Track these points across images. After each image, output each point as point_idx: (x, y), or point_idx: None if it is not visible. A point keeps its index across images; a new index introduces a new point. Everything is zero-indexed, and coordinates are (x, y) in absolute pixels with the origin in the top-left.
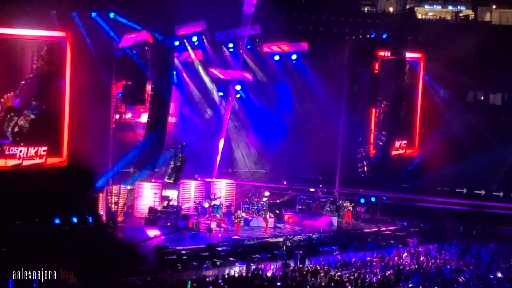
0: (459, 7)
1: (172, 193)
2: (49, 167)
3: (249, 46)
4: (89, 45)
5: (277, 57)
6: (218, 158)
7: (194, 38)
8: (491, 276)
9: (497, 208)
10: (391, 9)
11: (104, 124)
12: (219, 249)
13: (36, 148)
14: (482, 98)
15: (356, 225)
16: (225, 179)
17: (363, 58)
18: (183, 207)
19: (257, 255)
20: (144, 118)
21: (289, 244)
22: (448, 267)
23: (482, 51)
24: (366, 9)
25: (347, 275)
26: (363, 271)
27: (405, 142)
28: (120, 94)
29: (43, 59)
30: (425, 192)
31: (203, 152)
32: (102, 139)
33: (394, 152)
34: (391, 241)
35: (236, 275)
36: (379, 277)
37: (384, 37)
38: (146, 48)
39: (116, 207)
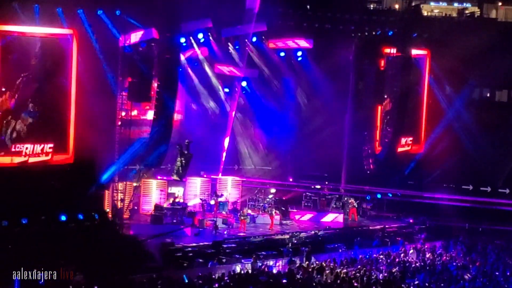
0: (464, 4)
1: (178, 190)
2: (55, 164)
3: (255, 43)
4: (95, 42)
5: (282, 54)
6: (224, 155)
7: (200, 35)
8: (496, 273)
9: (503, 205)
10: (396, 6)
11: (110, 121)
12: (225, 246)
13: (42, 145)
14: (488, 95)
15: (362, 222)
16: (231, 176)
17: (368, 55)
18: (189, 204)
19: (263, 252)
20: (150, 115)
21: (295, 241)
22: (454, 264)
23: (487, 48)
24: (372, 6)
25: (353, 272)
26: (369, 268)
27: (411, 139)
28: (126, 91)
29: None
30: (431, 189)
31: (209, 149)
32: (108, 136)
33: (400, 149)
34: (397, 238)
35: (242, 272)
36: (385, 274)
37: (389, 34)
38: (152, 45)
39: (122, 204)
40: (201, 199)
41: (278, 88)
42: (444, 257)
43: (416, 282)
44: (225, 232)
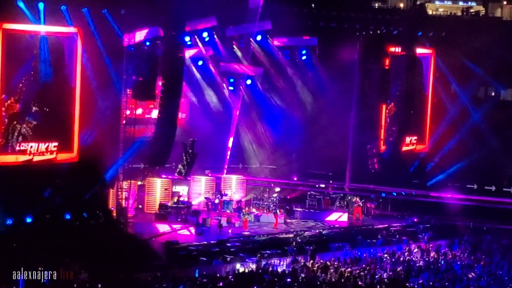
0: (469, 2)
1: (182, 189)
2: (59, 162)
3: (260, 42)
4: (99, 41)
5: (287, 52)
6: (228, 154)
7: (205, 34)
8: (500, 272)
9: (508, 204)
10: (401, 5)
11: (114, 119)
12: (229, 245)
13: (46, 144)
14: (493, 93)
15: (366, 221)
16: (236, 174)
17: (373, 54)
18: (193, 203)
19: (267, 251)
20: (154, 114)
21: (299, 240)
22: (459, 263)
23: (492, 46)
24: (376, 5)
25: (358, 271)
26: (374, 267)
27: (415, 138)
28: (130, 90)
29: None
30: (436, 188)
31: (214, 148)
32: (112, 135)
33: (404, 148)
34: (402, 237)
35: (247, 271)
36: (390, 273)
37: (394, 33)
38: (157, 44)
39: (126, 203)
40: (205, 197)
41: (283, 86)
42: (449, 256)
43: (421, 281)
44: (230, 231)
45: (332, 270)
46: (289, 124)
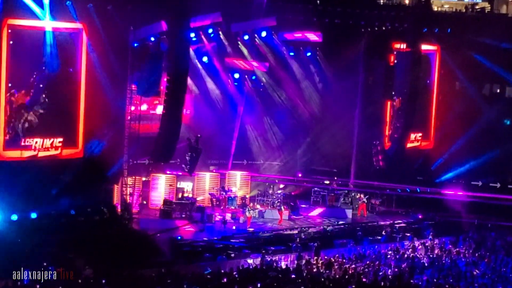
0: None
1: (187, 185)
2: (64, 158)
3: (264, 38)
4: (105, 36)
5: (292, 48)
6: (233, 150)
7: (210, 30)
8: (504, 269)
9: None
10: (406, 1)
11: (119, 115)
12: (234, 241)
13: (51, 140)
14: (498, 90)
15: (371, 217)
16: (240, 171)
17: (378, 51)
18: (198, 199)
19: (271, 247)
20: (159, 110)
21: (304, 237)
22: (463, 260)
23: (498, 43)
24: (382, 1)
25: (362, 267)
26: (378, 263)
27: (420, 134)
28: (135, 86)
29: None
30: (440, 185)
31: (218, 144)
32: (117, 131)
33: (409, 145)
34: (406, 234)
35: (251, 267)
36: (394, 270)
37: (399, 29)
38: (162, 40)
39: (131, 198)
40: (210, 194)
41: (288, 82)
42: (453, 253)
43: (425, 278)
44: (234, 227)
45: (336, 267)
46: (294, 120)
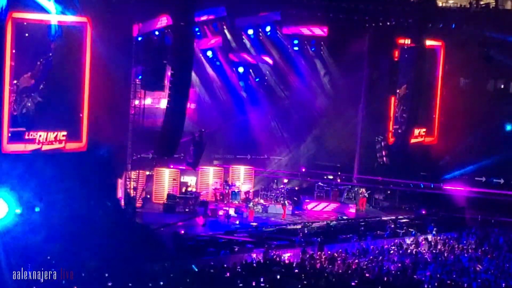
0: None
1: (190, 179)
2: (68, 152)
3: (269, 33)
4: (109, 30)
5: (296, 42)
6: (237, 144)
7: (214, 25)
8: (507, 265)
9: None
10: None
11: (123, 109)
12: (237, 235)
13: (55, 133)
14: (503, 86)
15: (374, 212)
16: (244, 165)
17: (383, 46)
18: (201, 193)
19: (275, 242)
20: (163, 104)
21: (307, 232)
22: (466, 255)
23: (502, 39)
24: None
25: (365, 262)
26: (381, 258)
27: (424, 130)
28: (139, 80)
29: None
30: (444, 181)
31: (222, 139)
32: (121, 125)
33: (413, 140)
34: (409, 229)
35: (254, 261)
36: (398, 265)
37: (404, 24)
38: (166, 33)
39: (134, 192)
40: (213, 188)
41: (292, 77)
42: (456, 249)
43: (428, 273)
44: (237, 222)
45: (339, 262)
46: (298, 115)
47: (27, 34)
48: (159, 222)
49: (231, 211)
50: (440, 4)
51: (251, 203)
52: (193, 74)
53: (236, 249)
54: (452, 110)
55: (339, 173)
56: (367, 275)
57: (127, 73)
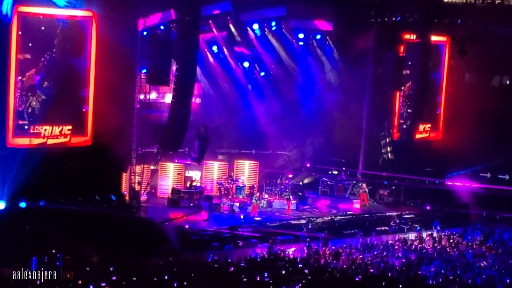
0: None
1: (195, 174)
2: (73, 146)
3: (274, 27)
4: (114, 24)
5: (301, 35)
6: (242, 139)
7: (219, 19)
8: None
9: None
10: None
11: (128, 104)
12: (242, 230)
13: (60, 127)
14: (508, 82)
15: (379, 208)
16: (249, 160)
17: (388, 41)
18: (206, 188)
19: (279, 237)
20: (168, 98)
21: (311, 227)
22: (471, 251)
23: (508, 34)
24: None
25: (370, 258)
26: (385, 254)
27: (429, 125)
28: (144, 74)
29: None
30: (450, 177)
31: (227, 133)
32: (126, 119)
33: (418, 136)
34: (414, 225)
35: (258, 256)
36: (402, 260)
37: (409, 20)
38: (171, 28)
39: (139, 187)
40: (218, 182)
41: (297, 72)
42: (461, 245)
43: (432, 269)
44: (242, 217)
45: (344, 257)
46: (303, 110)
47: (32, 29)
48: (163, 217)
49: (235, 206)
50: None
51: (255, 198)
52: (198, 68)
53: (241, 244)
54: (457, 106)
55: (343, 169)
56: (371, 270)
57: (132, 68)
